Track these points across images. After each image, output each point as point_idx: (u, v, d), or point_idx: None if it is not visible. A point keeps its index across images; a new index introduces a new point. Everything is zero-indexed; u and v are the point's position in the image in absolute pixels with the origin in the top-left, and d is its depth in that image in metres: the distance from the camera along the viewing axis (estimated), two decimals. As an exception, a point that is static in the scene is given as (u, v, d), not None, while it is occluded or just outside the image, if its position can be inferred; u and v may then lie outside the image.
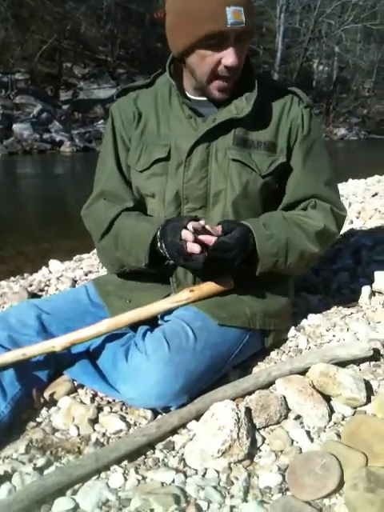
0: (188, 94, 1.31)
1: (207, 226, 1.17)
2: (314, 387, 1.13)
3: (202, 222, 1.16)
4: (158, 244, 1.20)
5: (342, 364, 1.23)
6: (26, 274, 2.74)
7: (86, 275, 2.41)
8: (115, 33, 19.84)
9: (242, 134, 1.27)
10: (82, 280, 2.34)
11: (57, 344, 1.20)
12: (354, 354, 1.22)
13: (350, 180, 4.82)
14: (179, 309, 1.25)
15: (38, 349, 1.20)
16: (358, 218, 2.82)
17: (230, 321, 1.22)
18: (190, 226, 1.14)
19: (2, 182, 9.45)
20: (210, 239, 1.14)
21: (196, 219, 1.18)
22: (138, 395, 1.11)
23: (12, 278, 2.68)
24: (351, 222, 2.72)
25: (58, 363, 1.27)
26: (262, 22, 24.17)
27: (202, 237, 1.14)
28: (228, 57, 1.14)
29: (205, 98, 1.29)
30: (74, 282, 2.32)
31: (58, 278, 2.40)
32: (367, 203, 3.16)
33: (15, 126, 13.73)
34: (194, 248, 1.11)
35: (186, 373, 1.10)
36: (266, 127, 1.28)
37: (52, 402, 1.21)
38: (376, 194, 3.53)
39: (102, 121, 16.22)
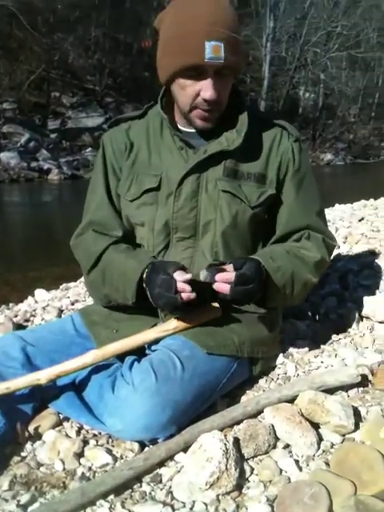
0: (179, 126, 1.33)
1: (223, 266, 1.17)
2: (302, 415, 1.13)
3: (187, 276, 1.14)
4: (144, 284, 1.21)
5: (331, 391, 1.23)
6: (11, 304, 2.69)
7: (73, 304, 2.39)
8: (103, 62, 20.14)
9: (233, 165, 1.29)
10: (69, 309, 2.33)
11: (42, 377, 1.18)
12: (342, 381, 1.22)
13: (337, 205, 4.87)
14: (167, 338, 1.25)
15: (22, 382, 1.18)
16: (344, 242, 2.84)
17: (218, 349, 1.22)
18: (180, 277, 1.13)
19: (-10, 211, 9.42)
20: (228, 276, 1.13)
21: (182, 268, 1.17)
22: (125, 427, 1.09)
23: (-3, 308, 2.65)
24: (338, 247, 2.74)
25: (43, 396, 1.25)
26: (248, 50, 24.77)
27: (221, 275, 1.13)
28: (205, 90, 1.17)
29: (195, 130, 1.31)
30: (60, 311, 2.30)
31: (43, 308, 2.38)
32: (354, 228, 3.19)
33: (2, 155, 13.72)
34: (191, 296, 1.12)
35: (174, 403, 1.09)
36: (256, 159, 1.31)
37: (37, 436, 1.19)
38: (362, 219, 3.56)
39: (89, 149, 16.32)
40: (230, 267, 1.15)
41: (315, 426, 1.12)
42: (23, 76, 17.08)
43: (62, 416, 1.24)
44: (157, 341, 1.26)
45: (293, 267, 1.27)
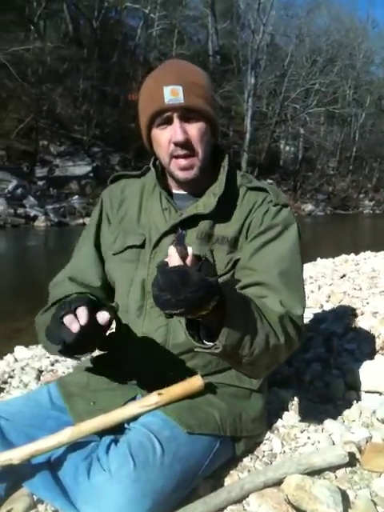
0: (173, 190, 1.34)
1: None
2: (289, 502, 1.07)
3: (82, 320, 1.01)
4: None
5: (318, 471, 1.18)
6: None
7: (52, 365, 2.32)
8: (91, 113, 20.66)
9: (207, 229, 1.27)
10: (48, 370, 2.25)
11: (14, 456, 1.11)
12: (330, 462, 1.17)
13: (319, 259, 4.93)
14: (146, 414, 1.19)
15: (-6, 462, 1.11)
16: (327, 301, 2.84)
17: (200, 428, 1.16)
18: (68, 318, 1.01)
19: (-27, 257, 9.32)
20: (177, 259, 0.92)
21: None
22: (102, 517, 1.01)
23: (-25, 365, 2.57)
24: (321, 306, 2.74)
25: (16, 474, 1.17)
26: (231, 105, 25.70)
27: (174, 248, 0.94)
28: (174, 133, 1.20)
29: (185, 192, 1.32)
30: (40, 372, 2.23)
31: (22, 368, 2.30)
32: (336, 285, 3.21)
33: (-11, 201, 13.81)
34: (73, 326, 1.00)
35: (154, 493, 1.02)
36: (232, 223, 1.29)
37: (8, 522, 1.10)
38: (344, 276, 3.59)
39: (76, 196, 16.49)
40: (196, 261, 0.95)
41: (302, 513, 1.07)
42: (12, 124, 17.41)
43: (36, 497, 1.16)
44: (136, 417, 1.20)
45: (254, 310, 1.08)
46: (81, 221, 14.25)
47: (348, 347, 2.01)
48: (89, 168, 18.30)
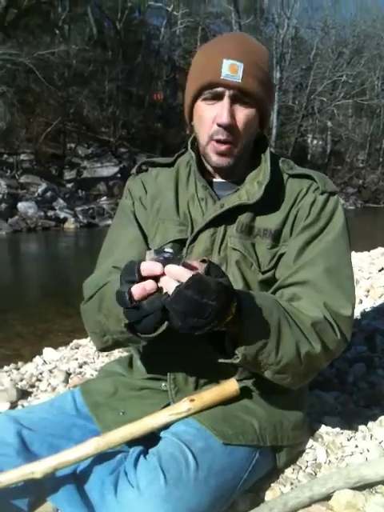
0: (211, 178, 1.22)
1: (188, 261, 0.87)
2: (339, 522, 0.95)
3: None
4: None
5: (370, 484, 1.06)
6: (20, 363, 2.64)
7: (81, 367, 2.26)
8: (117, 114, 20.73)
9: (249, 221, 1.15)
10: (76, 373, 2.19)
11: (38, 470, 1.03)
12: (383, 475, 1.05)
13: (354, 253, 4.74)
14: (178, 423, 1.09)
15: (16, 475, 1.02)
16: (367, 296, 2.69)
17: (237, 439, 1.05)
18: (143, 266, 0.86)
19: (6, 260, 9.48)
20: (180, 272, 0.82)
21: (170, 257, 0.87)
22: (131, 538, 0.92)
23: (6, 368, 2.57)
24: (360, 302, 2.59)
25: (39, 487, 1.09)
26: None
27: (173, 267, 0.83)
28: (220, 114, 1.08)
29: (224, 180, 1.20)
30: (68, 375, 2.17)
31: (50, 371, 2.26)
32: (375, 279, 3.05)
33: (20, 205, 14.00)
34: (138, 289, 0.84)
35: (188, 511, 0.92)
36: (275, 215, 1.16)
37: (32, 540, 1.03)
38: (382, 269, 3.41)
39: (105, 198, 16.59)
40: (200, 265, 0.86)
41: (355, 534, 0.95)
42: (40, 128, 17.62)
43: (60, 512, 1.08)
44: (167, 426, 1.10)
45: (280, 316, 0.99)
46: (109, 221, 14.32)
47: (393, 345, 1.87)
48: (116, 169, 18.36)
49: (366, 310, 2.40)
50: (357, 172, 29.97)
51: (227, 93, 1.08)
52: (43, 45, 17.35)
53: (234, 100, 1.09)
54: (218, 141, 1.11)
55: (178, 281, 0.82)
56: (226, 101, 1.08)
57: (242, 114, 1.10)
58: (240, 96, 1.08)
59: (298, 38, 29.58)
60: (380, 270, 3.42)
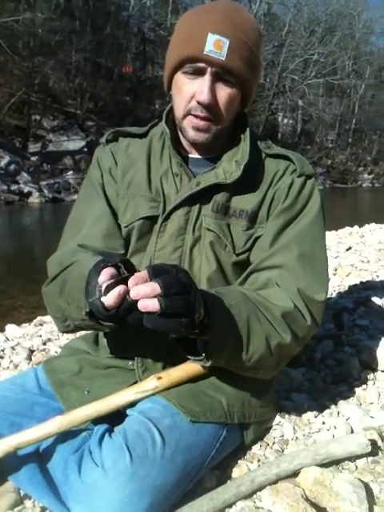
0: (186, 153, 1.16)
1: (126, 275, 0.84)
2: (307, 499, 0.95)
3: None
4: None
5: (336, 461, 1.06)
6: None
7: (45, 344, 2.20)
8: (84, 86, 20.19)
9: (225, 200, 1.11)
10: (40, 350, 2.13)
11: (-3, 449, 0.99)
12: (351, 451, 1.05)
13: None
14: (145, 400, 1.06)
15: (-27, 455, 0.98)
16: (334, 275, 2.71)
17: (205, 416, 1.03)
18: (104, 274, 0.83)
19: (-33, 235, 9.19)
20: (148, 287, 0.79)
21: (119, 264, 0.86)
22: (95, 518, 0.89)
23: (-35, 344, 2.46)
24: (328, 280, 2.61)
25: (0, 467, 1.05)
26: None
27: (139, 288, 0.79)
28: (200, 91, 1.02)
29: (200, 156, 1.15)
30: (31, 352, 2.10)
31: (13, 348, 2.18)
32: (342, 258, 3.07)
33: (-19, 178, 13.58)
34: (110, 300, 0.81)
35: (154, 489, 0.89)
36: (252, 195, 1.12)
37: (-10, 522, 0.99)
38: (350, 248, 3.45)
39: (71, 172, 16.25)
40: (142, 275, 0.82)
41: (322, 510, 0.95)
42: (3, 99, 17.02)
43: (22, 492, 1.05)
44: (133, 403, 1.07)
45: (249, 312, 0.97)
46: (75, 196, 14.06)
47: (360, 323, 1.88)
48: (83, 143, 17.98)
49: (334, 289, 2.41)
50: (326, 152, 30.26)
51: (209, 70, 1.01)
52: (7, 11, 16.63)
53: (216, 77, 1.02)
54: (196, 116, 1.05)
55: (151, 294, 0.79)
56: (207, 78, 1.02)
57: (224, 92, 1.04)
58: (223, 74, 1.02)
59: (271, 15, 29.31)
60: (347, 249, 3.45)
